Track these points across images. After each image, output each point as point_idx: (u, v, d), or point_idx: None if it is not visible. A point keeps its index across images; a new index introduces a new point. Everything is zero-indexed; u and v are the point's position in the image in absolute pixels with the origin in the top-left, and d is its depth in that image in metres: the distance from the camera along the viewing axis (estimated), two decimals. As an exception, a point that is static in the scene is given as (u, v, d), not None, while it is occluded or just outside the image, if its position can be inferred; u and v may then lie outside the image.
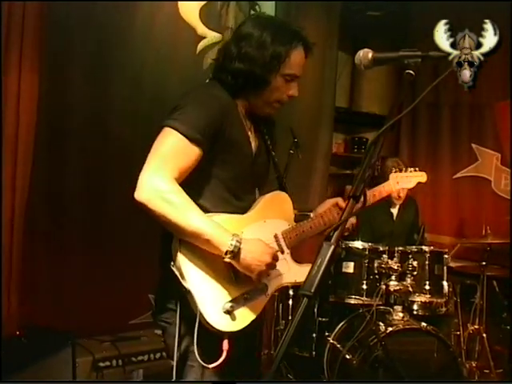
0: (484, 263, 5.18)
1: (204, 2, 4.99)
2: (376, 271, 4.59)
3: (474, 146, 6.48)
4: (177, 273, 2.27)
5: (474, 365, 5.03)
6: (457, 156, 6.60)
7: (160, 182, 2.20)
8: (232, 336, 2.30)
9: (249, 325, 2.35)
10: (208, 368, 2.27)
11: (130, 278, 4.51)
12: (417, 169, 3.21)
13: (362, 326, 4.40)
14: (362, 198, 1.98)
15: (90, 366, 3.95)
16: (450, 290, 4.84)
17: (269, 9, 5.53)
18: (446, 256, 4.80)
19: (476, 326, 5.12)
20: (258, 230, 2.43)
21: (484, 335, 5.11)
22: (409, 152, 6.84)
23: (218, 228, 2.25)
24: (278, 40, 2.37)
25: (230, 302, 2.29)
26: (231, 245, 2.21)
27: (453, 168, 6.61)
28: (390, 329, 4.30)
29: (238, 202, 2.45)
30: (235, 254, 2.22)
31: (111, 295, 4.45)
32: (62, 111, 4.31)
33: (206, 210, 2.32)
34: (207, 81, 2.55)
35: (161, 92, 4.61)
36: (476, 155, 6.46)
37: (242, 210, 2.46)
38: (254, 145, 2.52)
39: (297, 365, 4.74)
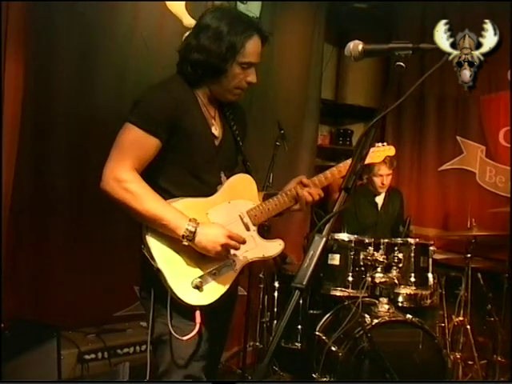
0: (469, 255, 5.20)
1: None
2: (362, 263, 4.61)
3: (458, 138, 6.49)
4: (147, 255, 2.47)
5: (458, 356, 5.06)
6: (442, 148, 6.61)
7: (121, 172, 2.42)
8: (205, 309, 2.47)
9: (221, 299, 2.52)
10: (182, 340, 2.43)
11: (115, 271, 4.48)
12: (385, 143, 3.22)
13: (347, 317, 4.42)
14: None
15: (75, 359, 3.94)
16: (435, 282, 4.86)
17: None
18: (431, 248, 4.81)
19: (461, 318, 5.14)
20: (222, 211, 2.62)
21: (468, 327, 5.13)
22: (394, 145, 6.79)
23: (175, 213, 2.44)
24: (233, 30, 2.52)
25: (199, 277, 2.47)
26: (187, 229, 2.40)
27: (438, 160, 6.61)
28: (375, 321, 4.32)
29: (202, 185, 2.61)
30: (192, 237, 2.41)
31: (96, 287, 4.43)
32: (46, 105, 4.26)
33: (171, 195, 2.54)
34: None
35: (147, 84, 4.51)
36: (461, 148, 6.47)
37: (207, 192, 2.62)
38: (218, 131, 2.68)
39: (283, 357, 4.74)
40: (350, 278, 4.58)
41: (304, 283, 1.64)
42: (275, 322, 5.04)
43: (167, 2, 4.84)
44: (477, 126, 6.40)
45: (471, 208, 5.61)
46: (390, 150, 3.21)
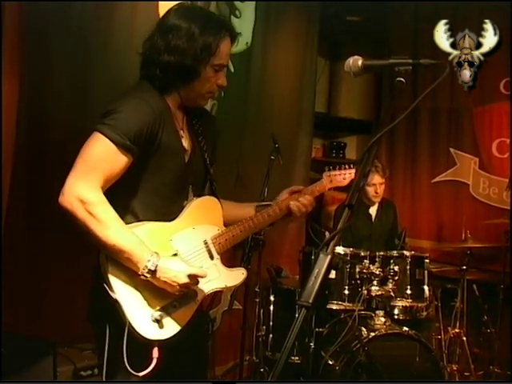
0: (464, 267, 5.21)
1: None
2: (358, 276, 4.60)
3: (452, 150, 6.53)
4: (105, 285, 2.28)
5: (455, 368, 5.08)
6: (435, 160, 6.65)
7: (84, 190, 2.19)
8: (167, 345, 2.31)
9: (192, 337, 2.42)
10: (138, 376, 2.26)
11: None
12: (351, 165, 3.03)
13: (344, 331, 4.40)
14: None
15: (71, 376, 3.90)
16: (431, 294, 4.86)
17: (249, 13, 5.53)
18: (426, 260, 4.82)
19: (457, 330, 5.15)
20: (187, 237, 2.45)
21: (464, 338, 5.14)
22: (387, 157, 6.87)
23: (138, 246, 2.24)
24: (207, 31, 2.36)
25: (159, 310, 2.31)
26: (146, 266, 2.21)
27: (431, 172, 6.65)
28: (372, 334, 4.31)
29: (168, 207, 2.44)
30: (152, 273, 2.23)
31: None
32: (42, 120, 4.25)
33: (135, 215, 2.35)
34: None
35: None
36: (454, 159, 6.51)
37: (172, 215, 2.45)
38: (186, 144, 2.50)
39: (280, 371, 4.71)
40: (346, 292, 4.57)
41: (310, 301, 1.61)
42: (271, 335, 5.02)
43: (161, 14, 4.83)
44: (470, 138, 6.45)
45: (465, 220, 5.62)
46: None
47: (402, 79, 1.95)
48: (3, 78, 3.83)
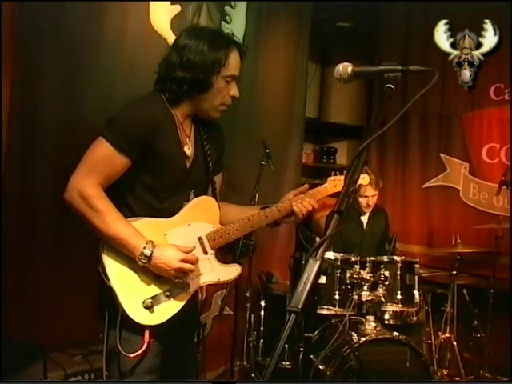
0: (454, 272, 5.23)
1: (175, 13, 4.97)
2: (348, 281, 4.59)
3: (442, 155, 6.54)
4: (101, 271, 2.53)
5: (445, 373, 5.09)
6: (425, 165, 6.66)
7: (86, 186, 2.45)
8: (158, 329, 2.52)
9: (175, 318, 2.55)
10: (129, 357, 2.49)
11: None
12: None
13: (334, 336, 4.40)
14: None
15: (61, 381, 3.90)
16: (421, 299, 4.86)
17: (240, 19, 5.55)
18: (417, 266, 4.82)
19: (447, 335, 5.17)
20: (181, 233, 2.63)
21: (455, 343, 5.16)
22: (378, 162, 6.88)
23: (134, 234, 2.48)
24: (214, 46, 2.56)
25: (151, 298, 2.51)
26: (142, 252, 2.45)
27: (422, 177, 6.66)
28: (362, 339, 4.31)
29: (165, 206, 2.63)
30: (147, 259, 2.45)
31: (83, 308, 4.37)
32: (33, 123, 4.25)
33: (133, 213, 2.58)
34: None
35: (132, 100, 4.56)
36: (444, 165, 6.53)
37: (169, 213, 2.64)
38: (191, 151, 2.68)
39: (270, 376, 4.71)
40: (337, 297, 4.56)
41: (299, 306, 1.63)
42: (262, 341, 5.03)
43: (152, 22, 4.85)
44: (460, 143, 6.46)
45: (456, 225, 5.64)
46: (363, 179, 3.14)
47: (392, 86, 1.96)
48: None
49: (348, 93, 7.37)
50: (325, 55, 7.62)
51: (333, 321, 4.58)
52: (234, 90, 2.64)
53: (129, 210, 2.58)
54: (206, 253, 2.66)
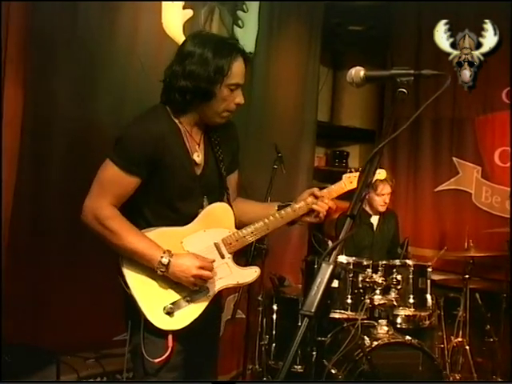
0: (467, 276, 5.21)
1: (188, 17, 4.98)
2: (360, 285, 4.58)
3: (454, 159, 6.52)
4: (121, 282, 2.61)
5: (457, 377, 5.07)
6: (437, 169, 6.64)
7: (99, 209, 2.55)
8: (181, 334, 2.58)
9: (205, 323, 2.64)
10: (154, 362, 2.55)
11: (115, 294, 4.44)
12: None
13: (347, 340, 4.39)
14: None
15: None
16: (434, 303, 4.85)
17: (252, 23, 5.55)
18: (429, 269, 4.81)
19: (460, 339, 5.15)
20: (197, 240, 2.68)
21: (467, 347, 5.13)
22: (390, 165, 6.86)
23: (151, 246, 2.55)
24: (218, 54, 2.54)
25: (171, 304, 2.58)
26: (160, 262, 2.52)
27: (434, 181, 6.64)
28: (375, 343, 4.30)
29: (180, 216, 2.67)
30: (165, 268, 2.53)
31: (95, 311, 4.39)
32: (46, 127, 4.26)
33: (149, 224, 2.64)
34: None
35: (145, 107, 4.55)
36: (457, 168, 6.51)
37: (185, 222, 2.68)
38: (201, 158, 2.70)
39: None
40: (349, 301, 4.56)
41: (312, 310, 1.64)
42: (274, 344, 5.02)
43: (165, 26, 4.86)
44: (472, 147, 6.44)
45: (468, 229, 5.62)
46: (380, 174, 3.17)
47: (404, 90, 1.96)
48: (5, 89, 3.85)
49: (360, 96, 7.35)
50: (336, 59, 7.61)
51: (345, 325, 4.57)
52: (238, 98, 2.64)
53: (145, 222, 2.64)
54: (223, 257, 2.70)
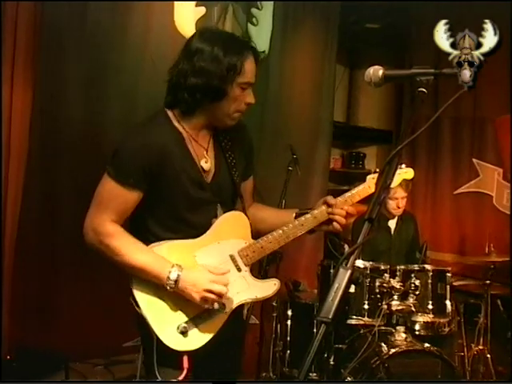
0: (488, 282, 5.08)
1: (200, 15, 4.93)
2: (377, 291, 4.48)
3: (474, 160, 6.45)
4: (132, 302, 2.45)
5: (478, 387, 4.94)
6: (457, 171, 6.58)
7: (99, 226, 2.40)
8: (196, 354, 2.43)
9: (225, 344, 2.49)
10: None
11: (123, 300, 4.38)
12: (403, 166, 2.95)
13: (363, 347, 4.29)
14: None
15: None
16: (453, 309, 4.73)
17: (266, 21, 5.48)
18: (448, 274, 4.69)
19: (480, 347, 5.02)
20: (211, 252, 2.51)
21: (488, 356, 5.01)
22: (408, 167, 6.75)
23: (157, 261, 2.40)
24: (230, 52, 2.40)
25: (185, 322, 2.42)
26: (168, 277, 2.36)
27: (453, 183, 6.58)
28: (392, 350, 4.19)
29: (190, 227, 2.51)
30: (174, 284, 2.36)
31: (104, 317, 4.36)
32: (55, 127, 4.25)
33: (158, 237, 2.47)
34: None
35: (156, 105, 4.49)
36: (477, 170, 6.43)
37: (196, 234, 2.52)
38: (210, 164, 2.55)
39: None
40: (366, 306, 4.45)
41: (330, 317, 1.58)
42: (288, 351, 4.93)
43: (177, 24, 4.82)
44: (493, 148, 6.39)
45: (489, 232, 5.51)
46: (408, 174, 3.01)
47: (424, 89, 1.87)
48: (13, 89, 3.84)
49: (377, 96, 7.28)
50: (353, 58, 7.54)
51: (362, 331, 4.49)
52: (249, 97, 2.50)
53: (154, 236, 2.48)
54: (239, 270, 2.54)
